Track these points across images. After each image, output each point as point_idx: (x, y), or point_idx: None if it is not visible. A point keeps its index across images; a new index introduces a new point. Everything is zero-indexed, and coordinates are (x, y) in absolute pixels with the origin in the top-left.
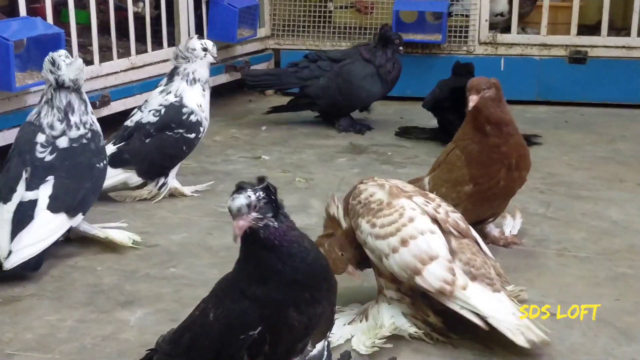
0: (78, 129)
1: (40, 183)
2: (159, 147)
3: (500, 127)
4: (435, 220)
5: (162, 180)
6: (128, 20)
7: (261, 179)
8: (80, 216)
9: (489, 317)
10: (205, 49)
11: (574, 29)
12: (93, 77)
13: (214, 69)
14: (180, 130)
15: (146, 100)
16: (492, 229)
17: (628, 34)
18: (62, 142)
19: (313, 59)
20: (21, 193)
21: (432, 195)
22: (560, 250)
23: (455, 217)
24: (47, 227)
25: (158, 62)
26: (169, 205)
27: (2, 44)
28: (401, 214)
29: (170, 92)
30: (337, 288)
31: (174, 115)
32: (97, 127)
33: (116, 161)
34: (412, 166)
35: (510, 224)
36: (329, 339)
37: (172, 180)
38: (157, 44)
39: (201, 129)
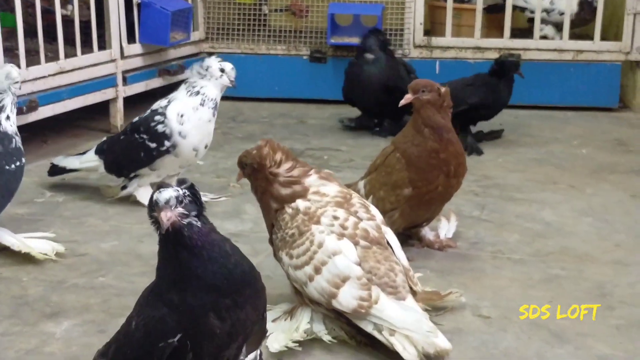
0: None
1: None
2: (124, 147)
3: (439, 133)
4: (343, 236)
5: (126, 183)
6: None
7: (181, 181)
8: None
9: (400, 330)
10: (222, 70)
11: (507, 31)
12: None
13: (147, 73)
14: (144, 136)
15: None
16: (428, 232)
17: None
18: None
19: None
20: None
21: (354, 200)
22: (494, 252)
23: (368, 226)
24: None
25: (88, 67)
26: (100, 212)
27: None
28: (311, 241)
29: (166, 98)
30: (265, 293)
31: (146, 119)
32: (10, 130)
33: (98, 149)
34: (348, 170)
35: (445, 227)
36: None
37: (136, 189)
38: (88, 48)
39: (167, 142)
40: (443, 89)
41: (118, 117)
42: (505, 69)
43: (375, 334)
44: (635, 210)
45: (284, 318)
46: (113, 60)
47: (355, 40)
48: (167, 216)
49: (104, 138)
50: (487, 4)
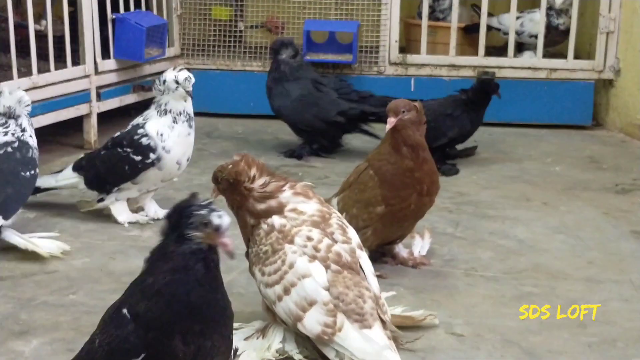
0: (5, 135)
1: None
2: (106, 161)
3: (417, 151)
4: (315, 258)
5: (102, 196)
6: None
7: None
8: (0, 219)
9: None
10: (177, 82)
11: (481, 49)
12: None
13: (121, 89)
14: (128, 150)
15: None
16: (401, 249)
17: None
18: None
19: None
20: None
21: (333, 220)
22: (467, 270)
23: (341, 249)
24: None
25: (61, 82)
26: (71, 229)
27: None
28: (283, 261)
29: (142, 116)
30: (233, 320)
31: (128, 133)
32: (30, 140)
33: (76, 165)
34: (323, 187)
35: (419, 245)
36: None
37: (113, 202)
38: (61, 63)
39: (152, 155)
40: (417, 105)
41: (92, 133)
42: (489, 89)
43: None
44: (607, 228)
45: (256, 336)
46: (87, 76)
47: (330, 57)
48: (230, 242)
49: (81, 155)
50: (464, 22)
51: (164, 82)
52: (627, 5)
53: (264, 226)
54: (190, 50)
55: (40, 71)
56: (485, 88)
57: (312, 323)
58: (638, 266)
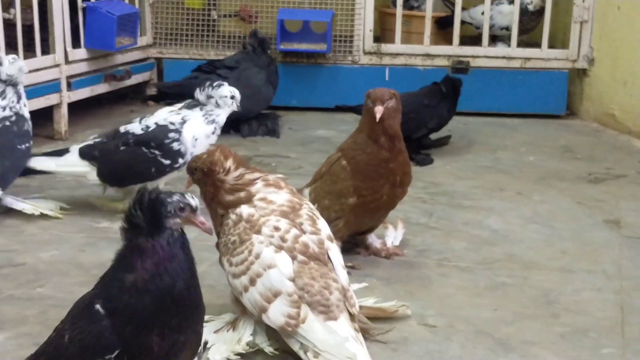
0: (4, 110)
1: None
2: (128, 159)
3: (394, 142)
4: (281, 248)
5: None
6: None
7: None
8: None
9: (323, 353)
10: (232, 97)
11: (456, 39)
12: None
13: (92, 78)
14: (156, 152)
15: (150, 114)
16: (374, 240)
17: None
18: None
19: (208, 70)
20: None
21: (303, 210)
22: (441, 260)
23: (309, 240)
24: None
25: (31, 72)
26: (40, 221)
27: None
28: (250, 251)
29: (179, 114)
30: (204, 314)
31: (159, 134)
32: (25, 112)
33: (86, 153)
34: (297, 177)
35: (392, 235)
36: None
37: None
38: (31, 52)
39: (180, 160)
40: (396, 93)
41: (62, 123)
42: (456, 88)
43: (301, 354)
44: (581, 217)
45: (226, 329)
46: (57, 65)
47: (304, 46)
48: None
49: (90, 141)
50: (438, 11)
51: (224, 97)
52: None
53: (232, 216)
54: (162, 40)
55: None
56: (452, 84)
57: (276, 314)
58: (611, 256)
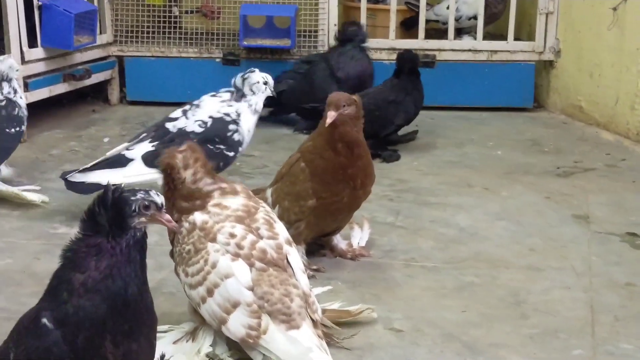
0: None
1: None
2: None
3: (352, 148)
4: (238, 256)
5: None
6: None
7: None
8: None
9: None
10: (265, 83)
11: (421, 33)
12: None
13: (50, 78)
14: (222, 147)
15: (193, 104)
16: (340, 241)
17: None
18: None
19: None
20: None
21: (259, 215)
22: (407, 260)
23: (266, 245)
24: None
25: None
26: None
27: None
28: (206, 260)
29: (231, 106)
30: (157, 324)
31: (220, 129)
32: (19, 101)
33: (151, 160)
34: (261, 176)
35: (358, 235)
36: None
37: None
38: None
39: (240, 149)
40: (356, 99)
41: None
42: (408, 64)
43: None
44: (548, 213)
45: (186, 339)
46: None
47: (268, 42)
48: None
49: (150, 148)
50: (401, 4)
51: (256, 83)
52: None
53: (186, 224)
54: (123, 37)
55: None
56: (406, 63)
57: (236, 326)
58: (579, 252)
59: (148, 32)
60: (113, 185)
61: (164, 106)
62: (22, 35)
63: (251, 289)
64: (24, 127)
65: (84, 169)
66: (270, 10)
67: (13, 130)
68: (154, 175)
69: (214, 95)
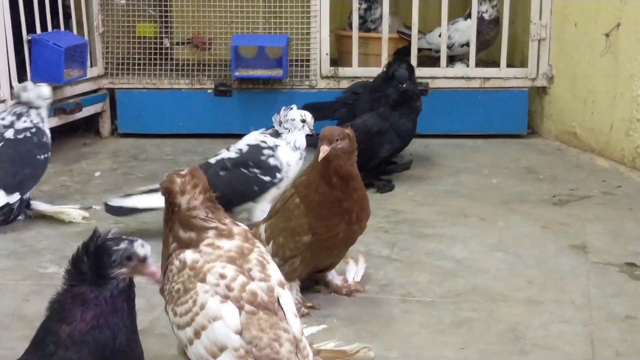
0: (25, 122)
1: None
2: (231, 182)
3: (347, 182)
4: (227, 298)
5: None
6: None
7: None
8: (17, 195)
9: None
10: (303, 121)
11: (414, 60)
12: None
13: None
14: (256, 171)
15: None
16: (335, 277)
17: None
18: (9, 134)
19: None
20: None
21: (253, 255)
22: (404, 295)
23: (257, 288)
24: None
25: None
26: None
27: None
28: (194, 301)
29: (267, 137)
30: None
31: (255, 154)
32: (45, 128)
33: None
34: None
35: (353, 270)
36: None
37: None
38: None
39: (278, 175)
40: (350, 133)
41: None
42: (406, 98)
43: None
44: (546, 243)
45: None
46: (2, 101)
47: (260, 72)
48: (157, 270)
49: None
50: (394, 32)
51: (292, 120)
52: (558, 11)
53: (176, 262)
54: (114, 69)
55: None
56: (405, 98)
57: None
58: (578, 284)
59: (139, 64)
60: (99, 232)
61: (156, 138)
62: (11, 70)
63: (239, 332)
64: (50, 154)
65: (133, 193)
66: (262, 40)
67: (42, 156)
68: None
69: (258, 131)
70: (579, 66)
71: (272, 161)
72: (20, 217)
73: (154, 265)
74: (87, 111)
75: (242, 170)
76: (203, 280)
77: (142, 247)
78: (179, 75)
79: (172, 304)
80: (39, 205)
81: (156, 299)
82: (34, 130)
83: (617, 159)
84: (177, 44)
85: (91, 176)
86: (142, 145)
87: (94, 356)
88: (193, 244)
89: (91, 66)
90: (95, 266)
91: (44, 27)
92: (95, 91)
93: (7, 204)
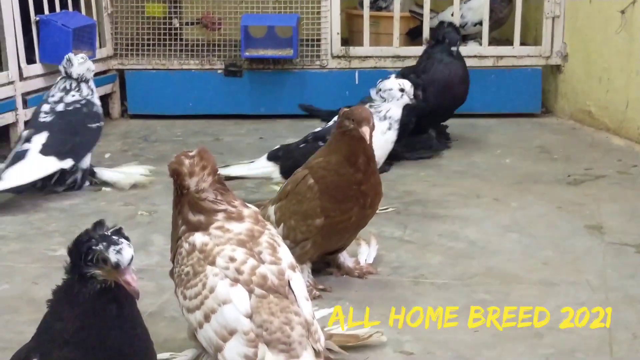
0: (74, 96)
1: (36, 137)
2: (306, 153)
3: (369, 163)
4: (237, 281)
5: None
6: None
7: (106, 227)
8: (70, 161)
9: None
10: (402, 90)
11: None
12: None
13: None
14: None
15: None
16: (347, 259)
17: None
18: (60, 107)
19: None
20: (21, 146)
21: (263, 238)
22: (416, 277)
23: (268, 271)
24: (36, 165)
25: None
26: None
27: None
28: (204, 284)
29: None
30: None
31: (332, 127)
32: (95, 100)
33: (272, 155)
34: (264, 188)
35: (365, 252)
36: None
37: None
38: None
39: None
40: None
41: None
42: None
43: None
44: (560, 224)
45: None
46: (11, 82)
47: (270, 52)
48: (134, 280)
49: (277, 146)
50: (406, 10)
51: (389, 90)
52: None
53: (185, 245)
54: (123, 50)
55: None
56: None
57: (232, 355)
58: (594, 265)
59: (148, 45)
60: (100, 224)
61: (166, 119)
62: (19, 52)
63: (249, 316)
64: (102, 123)
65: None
66: (272, 20)
67: (94, 125)
68: (270, 168)
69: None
70: (594, 44)
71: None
72: (86, 184)
73: (130, 274)
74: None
75: (320, 143)
76: (212, 263)
77: (116, 253)
78: (189, 55)
79: (182, 287)
80: (103, 172)
81: (165, 282)
82: (83, 102)
83: (633, 137)
84: (187, 24)
85: (101, 158)
86: (152, 126)
87: (87, 357)
88: (202, 227)
89: (100, 47)
90: (75, 262)
91: (52, 8)
92: (104, 72)
93: (61, 169)
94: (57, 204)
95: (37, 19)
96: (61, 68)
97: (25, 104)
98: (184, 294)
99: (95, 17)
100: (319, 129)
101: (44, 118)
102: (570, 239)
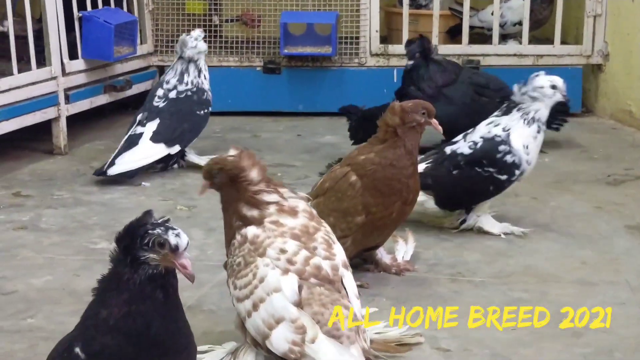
0: (187, 85)
1: (149, 122)
2: (463, 182)
3: (416, 157)
4: (288, 271)
5: (463, 216)
6: None
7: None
8: (177, 147)
9: None
10: (554, 87)
11: (465, 37)
12: None
13: (91, 90)
14: (491, 169)
15: (473, 129)
16: (384, 255)
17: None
18: (172, 94)
19: None
20: (135, 128)
21: (319, 234)
22: (453, 275)
23: (320, 262)
24: (147, 151)
25: (26, 85)
26: (33, 244)
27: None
28: (254, 274)
29: (498, 125)
30: (196, 353)
31: (489, 150)
32: (205, 86)
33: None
34: (303, 187)
35: (402, 249)
36: None
37: (477, 219)
38: (28, 65)
39: (517, 171)
40: None
41: (61, 138)
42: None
43: None
44: (599, 223)
45: (227, 359)
46: (54, 78)
47: (309, 49)
48: (190, 264)
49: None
50: (446, 9)
51: (540, 88)
52: None
53: (238, 237)
54: (164, 47)
55: (2, 75)
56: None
57: (279, 340)
58: (634, 265)
59: None
60: (151, 212)
61: None
62: (62, 47)
63: (298, 304)
64: (210, 109)
65: None
66: (311, 17)
67: (202, 112)
68: (421, 197)
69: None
70: (635, 43)
71: (509, 158)
72: (175, 166)
73: (186, 259)
74: (136, 88)
75: (477, 169)
76: (263, 255)
77: (175, 236)
78: (228, 52)
79: (233, 277)
80: (192, 157)
81: (203, 275)
82: (194, 89)
83: None
84: (227, 21)
85: None
86: None
87: (129, 344)
88: (257, 221)
89: (141, 43)
90: (128, 248)
91: (94, 4)
92: (145, 68)
93: (169, 155)
94: (97, 197)
95: (80, 15)
96: (177, 48)
97: (68, 100)
98: (235, 284)
99: (136, 14)
100: (466, 151)
101: (157, 102)
102: (609, 239)
